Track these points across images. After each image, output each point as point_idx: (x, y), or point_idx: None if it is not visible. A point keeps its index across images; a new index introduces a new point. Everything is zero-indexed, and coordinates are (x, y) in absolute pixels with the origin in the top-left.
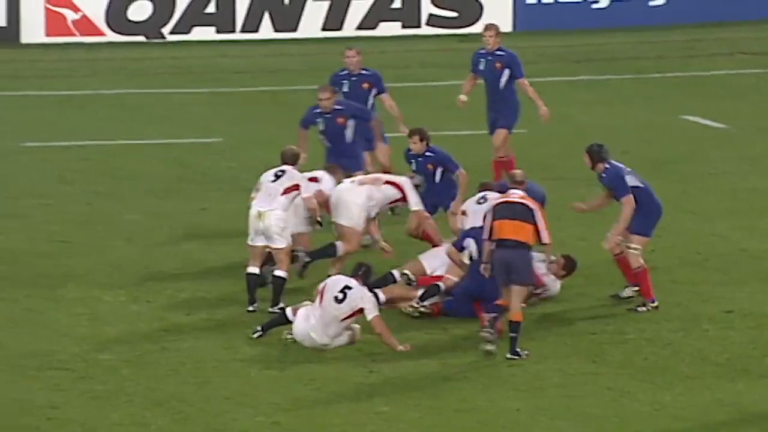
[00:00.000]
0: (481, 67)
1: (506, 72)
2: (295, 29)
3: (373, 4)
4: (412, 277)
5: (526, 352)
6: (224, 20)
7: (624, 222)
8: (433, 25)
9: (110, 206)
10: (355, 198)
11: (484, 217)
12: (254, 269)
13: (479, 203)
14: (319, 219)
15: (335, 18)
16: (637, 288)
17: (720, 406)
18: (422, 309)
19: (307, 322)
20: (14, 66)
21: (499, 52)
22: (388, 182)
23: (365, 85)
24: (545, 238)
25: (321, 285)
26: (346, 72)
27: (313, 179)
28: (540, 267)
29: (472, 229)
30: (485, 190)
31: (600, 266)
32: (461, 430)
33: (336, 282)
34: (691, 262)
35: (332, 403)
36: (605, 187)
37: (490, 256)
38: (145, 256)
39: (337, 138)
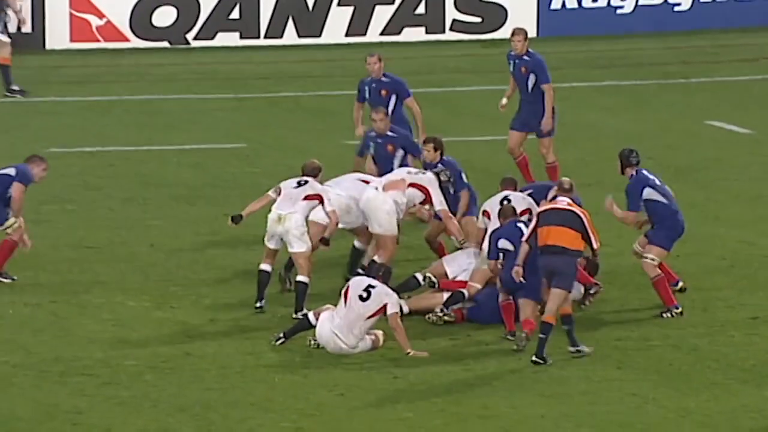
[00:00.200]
0: (512, 69)
1: (531, 77)
2: (319, 35)
3: (397, 10)
4: (435, 279)
5: (550, 361)
6: (248, 26)
7: (621, 215)
8: (457, 31)
9: (134, 212)
10: (382, 205)
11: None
12: (267, 267)
13: (503, 204)
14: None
15: (359, 24)
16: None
17: (746, 412)
18: (446, 318)
19: (332, 322)
20: (39, 72)
21: (525, 57)
22: (411, 185)
23: (383, 92)
24: (595, 242)
25: (344, 287)
26: (369, 78)
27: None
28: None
29: (498, 229)
30: (506, 188)
31: (624, 272)
32: None
33: (359, 282)
34: (717, 269)
35: (356, 409)
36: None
37: (525, 259)
38: (170, 261)
39: (385, 163)
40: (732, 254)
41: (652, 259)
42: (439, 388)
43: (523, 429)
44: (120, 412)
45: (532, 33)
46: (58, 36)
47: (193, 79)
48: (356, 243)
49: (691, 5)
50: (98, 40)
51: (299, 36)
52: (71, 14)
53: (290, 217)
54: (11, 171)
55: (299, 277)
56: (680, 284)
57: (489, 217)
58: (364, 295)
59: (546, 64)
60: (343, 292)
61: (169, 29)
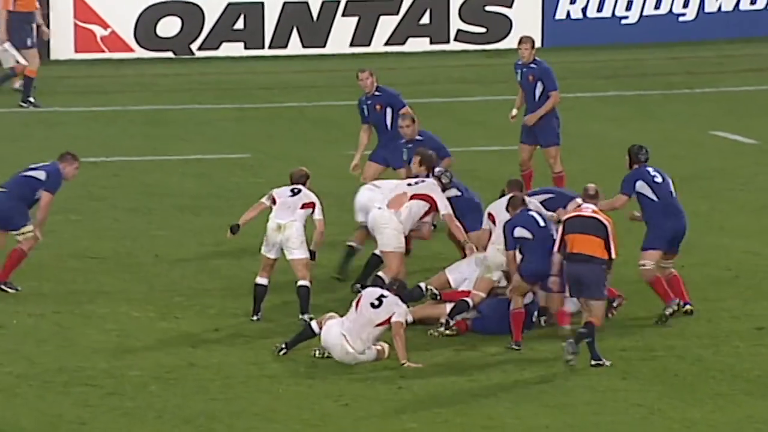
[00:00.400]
0: (519, 78)
1: (539, 85)
2: (323, 45)
3: (402, 20)
4: (436, 291)
5: (609, 362)
6: (253, 36)
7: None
8: (461, 41)
9: (139, 222)
10: (387, 222)
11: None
12: (263, 280)
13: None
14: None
15: (364, 34)
16: (678, 301)
17: (751, 422)
18: (448, 332)
19: (341, 326)
20: (44, 82)
21: (533, 65)
22: (414, 197)
23: (377, 107)
24: (614, 253)
25: (356, 297)
26: (365, 96)
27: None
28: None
29: (511, 219)
30: (512, 190)
31: (629, 282)
32: None
33: (372, 292)
34: (722, 279)
35: (361, 420)
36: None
37: (561, 269)
38: (174, 271)
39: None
40: (737, 264)
41: (643, 265)
42: (443, 399)
43: None
44: (124, 423)
45: (536, 43)
46: (62, 46)
47: (197, 90)
48: (377, 251)
49: (696, 16)
50: (103, 51)
51: (303, 46)
52: (76, 25)
53: (290, 225)
54: (41, 175)
55: (301, 282)
56: (687, 306)
57: (494, 221)
58: (376, 303)
59: (553, 72)
60: (355, 301)
61: (174, 39)
